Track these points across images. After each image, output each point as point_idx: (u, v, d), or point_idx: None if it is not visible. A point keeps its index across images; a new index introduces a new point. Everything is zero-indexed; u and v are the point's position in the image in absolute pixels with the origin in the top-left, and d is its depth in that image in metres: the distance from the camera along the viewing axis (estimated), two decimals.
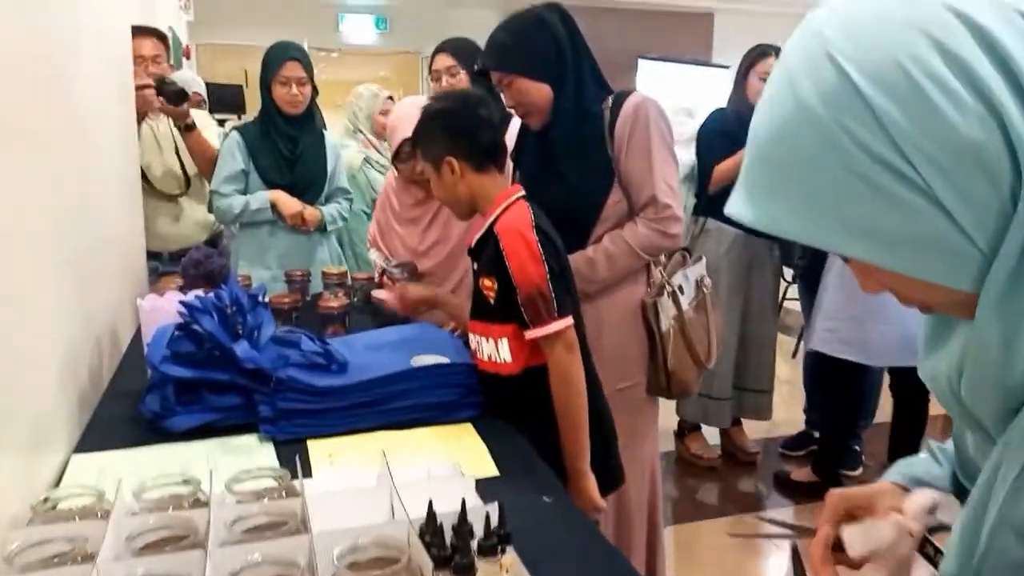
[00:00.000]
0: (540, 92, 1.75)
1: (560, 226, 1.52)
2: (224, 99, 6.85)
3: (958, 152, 0.48)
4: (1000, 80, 0.48)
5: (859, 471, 3.16)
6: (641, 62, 8.54)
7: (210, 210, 2.84)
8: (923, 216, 0.49)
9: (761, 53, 3.12)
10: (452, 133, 1.50)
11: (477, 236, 1.52)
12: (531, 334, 1.42)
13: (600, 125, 1.74)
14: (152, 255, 2.70)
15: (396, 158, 1.98)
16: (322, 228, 2.74)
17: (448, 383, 1.48)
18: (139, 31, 2.70)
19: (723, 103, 3.30)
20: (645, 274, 1.82)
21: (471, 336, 1.56)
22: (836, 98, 0.50)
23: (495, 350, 1.48)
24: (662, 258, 1.83)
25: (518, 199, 1.50)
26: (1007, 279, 0.49)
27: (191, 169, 2.83)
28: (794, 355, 4.75)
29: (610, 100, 1.77)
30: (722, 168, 2.98)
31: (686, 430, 3.41)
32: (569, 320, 1.43)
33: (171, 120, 2.75)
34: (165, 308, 1.59)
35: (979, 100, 0.47)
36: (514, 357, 1.46)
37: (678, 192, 1.75)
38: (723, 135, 2.98)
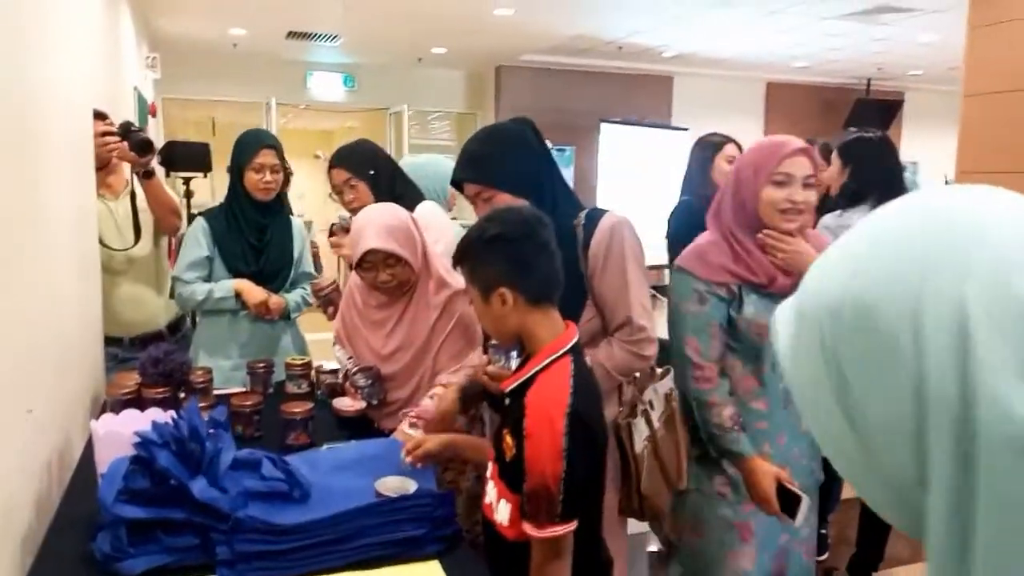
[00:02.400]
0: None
1: None
2: (189, 158, 6.79)
3: None
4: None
5: (825, 556, 3.16)
6: (603, 125, 8.70)
7: (172, 296, 2.79)
8: None
9: (723, 140, 3.19)
10: (511, 262, 1.36)
11: (514, 383, 1.39)
12: (524, 527, 1.30)
13: (574, 242, 1.74)
14: (112, 341, 2.63)
15: (359, 266, 1.97)
16: (286, 316, 2.71)
17: (415, 516, 1.45)
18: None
19: (682, 164, 3.33)
20: (617, 393, 1.82)
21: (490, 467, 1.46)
22: None
23: (495, 502, 1.40)
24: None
25: (566, 354, 1.36)
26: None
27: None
28: None
29: (583, 217, 1.78)
30: None
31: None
32: (570, 526, 1.28)
33: (131, 168, 2.71)
34: (120, 434, 1.54)
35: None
36: (511, 523, 1.35)
37: (652, 313, 1.76)
38: (697, 227, 3.02)
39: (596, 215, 1.77)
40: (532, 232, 1.37)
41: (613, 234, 1.73)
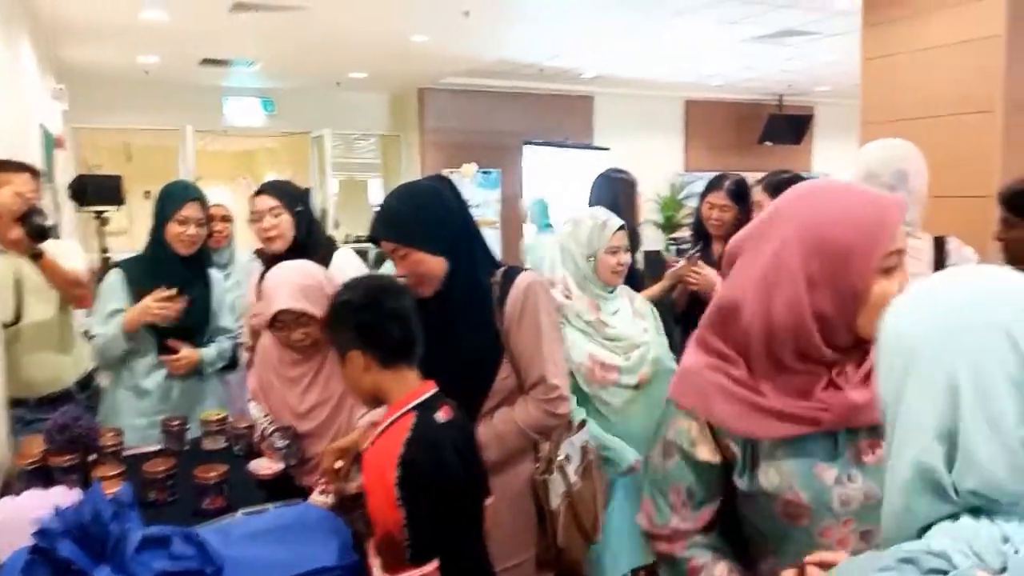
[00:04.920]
0: (435, 264, 1.76)
1: (450, 398, 1.52)
2: (101, 191, 6.58)
3: None
4: None
5: None
6: (526, 147, 8.79)
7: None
8: None
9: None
10: (359, 328, 1.47)
11: (372, 436, 1.47)
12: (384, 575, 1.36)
13: (490, 299, 1.76)
14: (17, 402, 2.53)
15: (272, 326, 1.95)
16: (200, 371, 2.64)
17: None
18: (11, 166, 2.59)
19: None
20: (533, 450, 1.83)
21: None
22: None
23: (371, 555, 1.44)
24: None
25: (411, 410, 1.44)
26: None
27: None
28: None
29: (499, 274, 1.80)
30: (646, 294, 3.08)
31: None
32: (427, 567, 1.34)
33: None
34: (19, 520, 1.48)
35: None
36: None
37: (565, 372, 1.79)
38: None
39: (512, 273, 1.80)
40: (378, 300, 1.48)
41: (528, 293, 1.76)
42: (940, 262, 1.99)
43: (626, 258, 2.36)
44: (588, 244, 2.31)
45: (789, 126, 10.42)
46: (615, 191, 3.22)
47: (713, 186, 3.10)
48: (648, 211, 9.19)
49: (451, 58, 7.33)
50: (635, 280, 3.08)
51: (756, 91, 10.00)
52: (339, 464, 1.73)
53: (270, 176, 13.83)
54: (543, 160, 8.90)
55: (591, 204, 3.25)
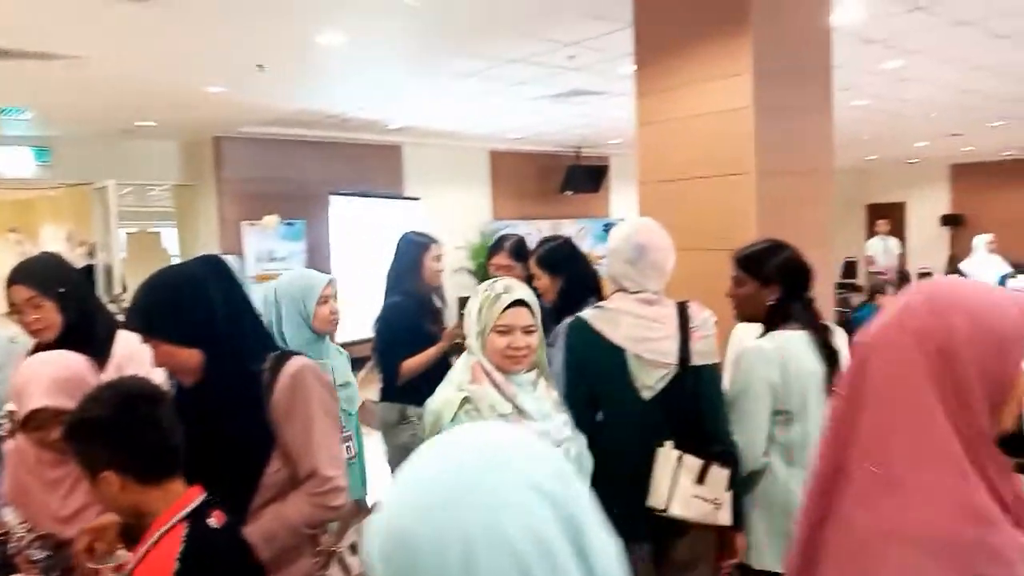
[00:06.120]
0: (188, 356, 1.67)
1: (214, 496, 1.43)
2: None
3: None
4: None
5: None
6: (333, 198, 8.68)
7: None
8: None
9: (428, 241, 3.27)
10: (112, 446, 1.33)
11: (129, 565, 1.36)
12: None
13: (258, 388, 1.68)
14: None
15: (25, 426, 1.76)
16: None
17: None
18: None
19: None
20: (311, 544, 1.75)
21: None
22: None
23: None
24: None
25: (181, 521, 1.34)
26: None
27: None
28: None
29: (270, 360, 1.73)
30: (409, 364, 3.09)
31: None
32: None
33: None
34: None
35: None
36: None
37: (341, 460, 1.75)
38: (410, 330, 3.08)
39: (282, 359, 1.73)
40: (129, 412, 1.35)
41: (297, 382, 1.70)
42: (684, 325, 2.17)
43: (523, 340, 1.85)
44: (480, 319, 1.87)
45: (587, 176, 11.08)
46: (416, 253, 3.25)
47: (495, 249, 3.25)
48: (460, 259, 9.35)
49: (249, 107, 7.10)
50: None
51: (555, 143, 10.55)
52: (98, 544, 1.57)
53: (47, 229, 12.62)
54: (353, 211, 8.82)
55: (393, 264, 3.28)
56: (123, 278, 8.52)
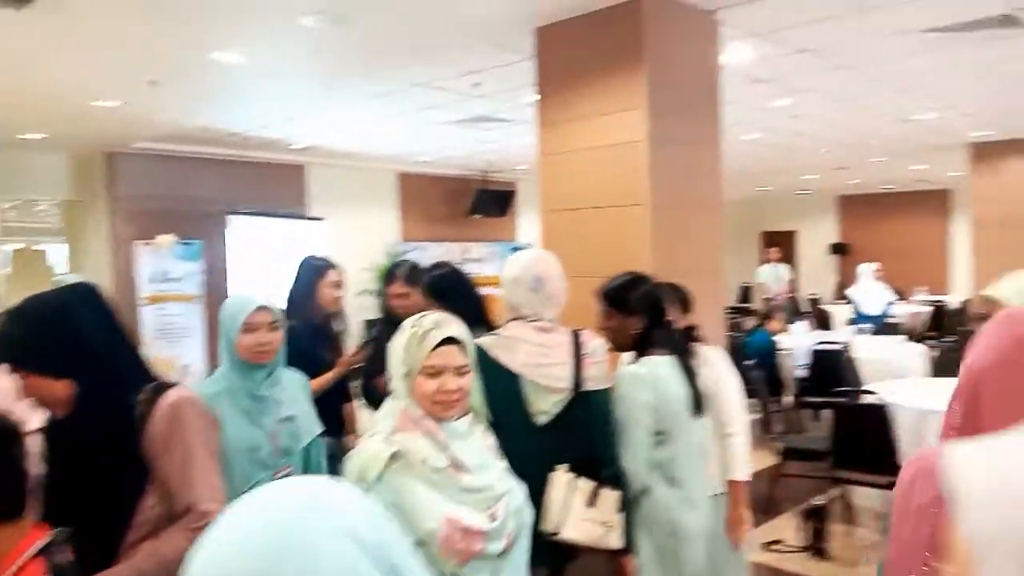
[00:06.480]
0: (57, 387, 1.60)
1: (83, 535, 1.36)
2: None
3: None
4: None
5: None
6: (231, 218, 8.44)
7: None
8: None
9: (326, 265, 3.24)
10: None
11: None
12: None
13: (134, 420, 1.62)
14: None
15: None
16: None
17: None
18: None
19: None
20: None
21: None
22: None
23: None
24: None
25: (36, 558, 1.25)
26: None
27: None
28: None
29: (146, 392, 1.66)
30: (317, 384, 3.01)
31: None
32: None
33: None
34: None
35: None
36: None
37: (221, 493, 1.69)
38: (303, 354, 2.99)
39: (160, 390, 1.67)
40: None
41: (174, 414, 1.64)
42: (577, 352, 2.23)
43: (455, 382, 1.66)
44: (405, 359, 1.67)
45: (495, 200, 11.19)
46: (311, 277, 3.19)
47: (390, 279, 3.24)
48: (366, 281, 9.24)
49: (144, 123, 6.84)
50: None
51: (462, 167, 10.61)
52: None
53: None
54: (253, 231, 8.59)
55: (292, 288, 3.21)
56: (4, 296, 8.01)
